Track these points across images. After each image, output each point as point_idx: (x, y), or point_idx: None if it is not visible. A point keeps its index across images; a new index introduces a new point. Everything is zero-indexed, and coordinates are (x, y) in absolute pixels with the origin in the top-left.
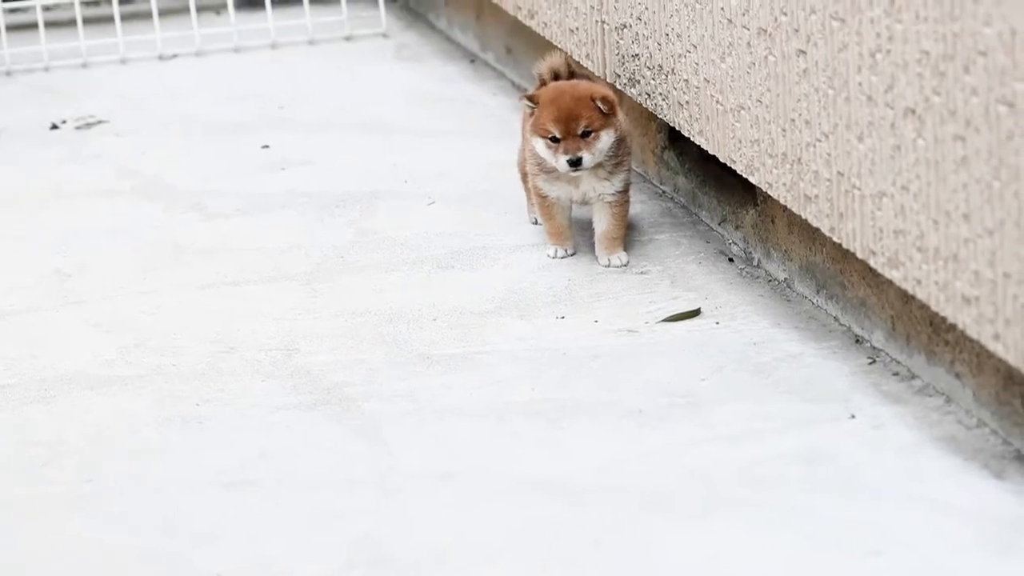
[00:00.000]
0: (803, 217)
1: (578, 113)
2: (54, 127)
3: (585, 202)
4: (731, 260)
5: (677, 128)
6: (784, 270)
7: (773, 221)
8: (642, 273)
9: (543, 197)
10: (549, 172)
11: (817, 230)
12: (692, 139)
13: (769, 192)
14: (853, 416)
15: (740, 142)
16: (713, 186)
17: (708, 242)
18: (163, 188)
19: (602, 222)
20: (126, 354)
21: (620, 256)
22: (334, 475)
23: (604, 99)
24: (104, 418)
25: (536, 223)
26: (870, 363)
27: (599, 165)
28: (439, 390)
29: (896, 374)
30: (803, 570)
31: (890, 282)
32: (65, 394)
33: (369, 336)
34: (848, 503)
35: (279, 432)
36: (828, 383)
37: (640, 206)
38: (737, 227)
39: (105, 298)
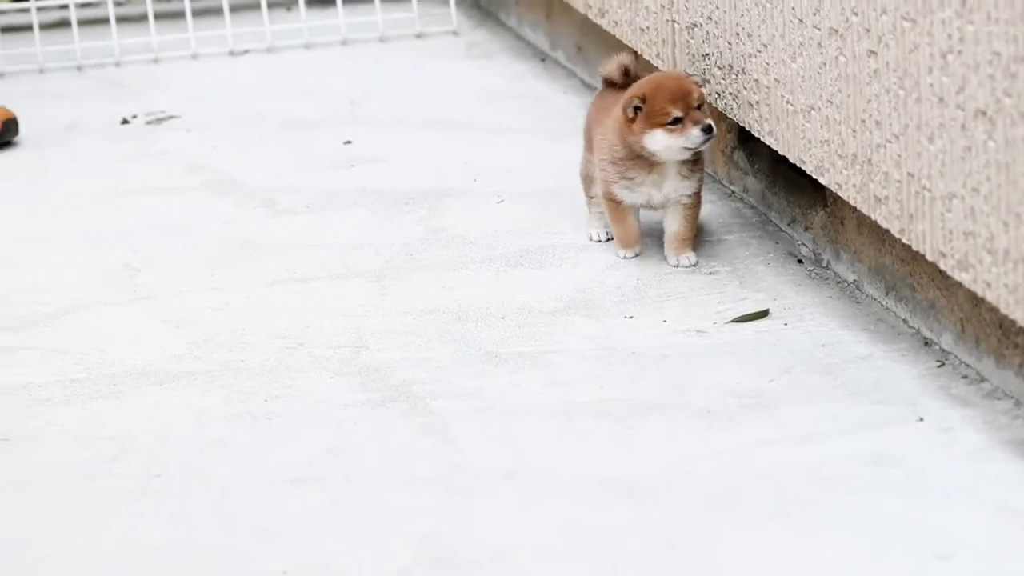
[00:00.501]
0: (873, 218)
1: (688, 88)
2: (124, 122)
3: (662, 205)
4: (800, 261)
5: (747, 128)
6: (853, 271)
7: (842, 222)
8: (711, 274)
9: (617, 203)
10: (631, 179)
11: (887, 231)
12: (762, 139)
13: (839, 193)
14: (921, 419)
15: (810, 142)
16: (783, 187)
17: (777, 243)
18: (233, 184)
19: (673, 223)
20: (195, 349)
21: (689, 256)
22: (400, 472)
23: (693, 78)
24: (172, 413)
25: (592, 240)
26: (939, 366)
27: (682, 163)
28: (507, 388)
29: (965, 377)
30: (870, 572)
31: (960, 284)
32: (134, 389)
33: (437, 334)
34: (916, 506)
35: (347, 429)
36: (896, 385)
37: (709, 207)
38: (806, 228)
39: (174, 293)
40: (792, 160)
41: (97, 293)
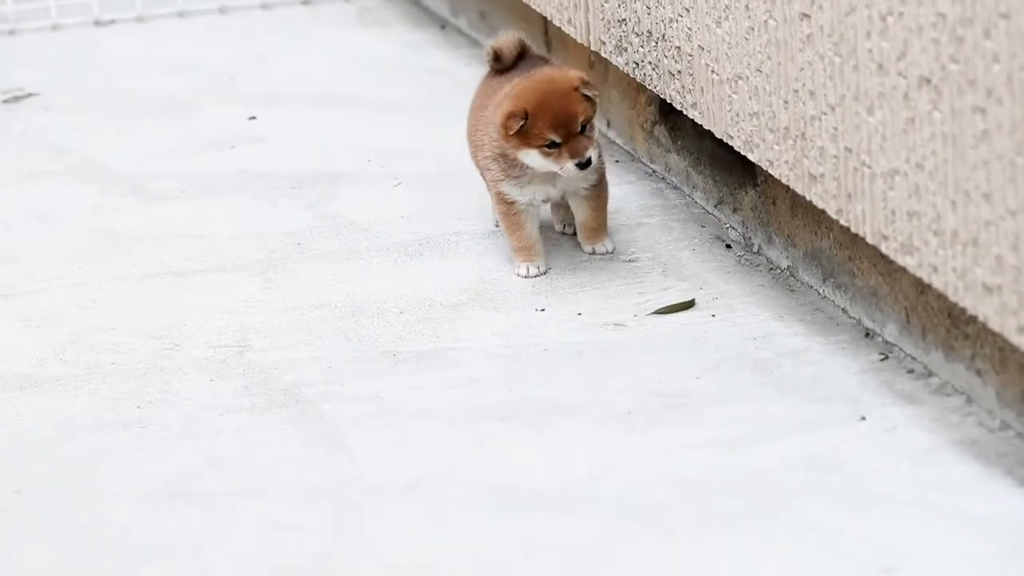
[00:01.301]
0: (808, 198)
1: (573, 110)
2: None
3: (559, 200)
4: (728, 246)
5: (668, 100)
6: (787, 257)
7: (775, 203)
8: (630, 261)
9: (509, 204)
10: (518, 177)
11: (823, 213)
12: (685, 112)
13: (770, 171)
14: (863, 418)
15: (738, 115)
16: (708, 165)
17: (703, 226)
18: (99, 169)
19: (581, 211)
20: (59, 352)
21: (605, 243)
22: (290, 486)
23: (586, 83)
24: (34, 422)
25: (499, 226)
26: (882, 359)
27: None
28: (406, 391)
29: (911, 371)
30: None
31: (904, 270)
32: None
33: (329, 331)
34: (858, 514)
35: (229, 438)
36: (836, 381)
37: (628, 187)
38: (735, 210)
39: (35, 291)
40: (718, 135)
41: None
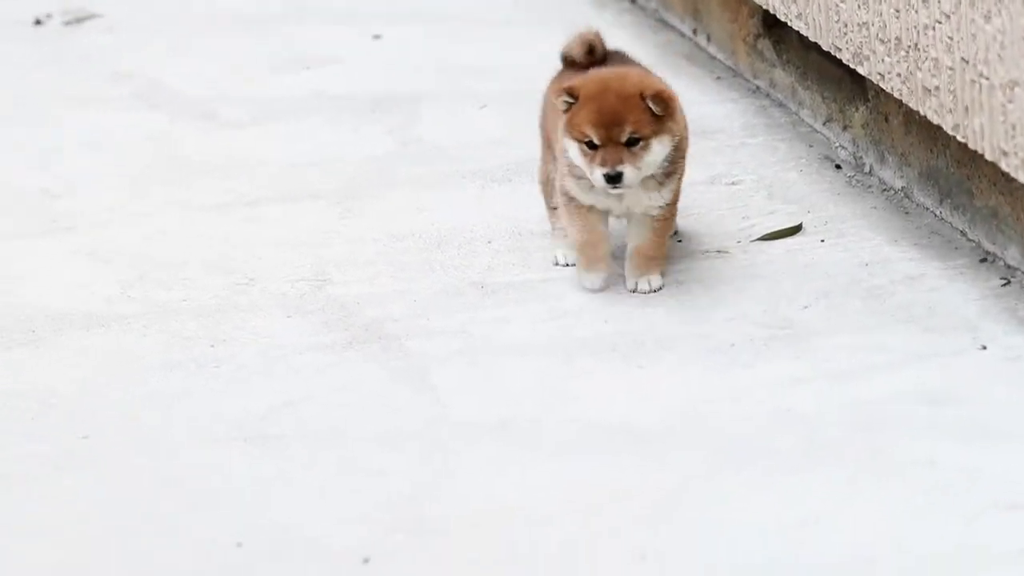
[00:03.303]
0: (922, 113)
1: (623, 116)
2: (37, 23)
3: (625, 216)
4: (838, 167)
5: (772, 11)
6: (901, 177)
7: (887, 119)
8: (733, 184)
9: (571, 199)
10: (581, 177)
11: (939, 128)
12: (790, 24)
13: (881, 85)
14: (984, 347)
15: (846, 26)
16: (815, 80)
17: (811, 146)
18: (166, 93)
19: (638, 235)
20: (127, 288)
21: (652, 280)
22: (371, 427)
23: (658, 96)
24: (101, 364)
25: (559, 264)
26: (1003, 284)
27: (649, 176)
28: (495, 325)
29: None
30: (920, 530)
31: None
32: (55, 336)
33: (412, 263)
34: (977, 450)
35: (307, 377)
36: (954, 309)
37: (730, 105)
38: (845, 127)
39: (100, 223)
40: (825, 47)
41: (10, 224)
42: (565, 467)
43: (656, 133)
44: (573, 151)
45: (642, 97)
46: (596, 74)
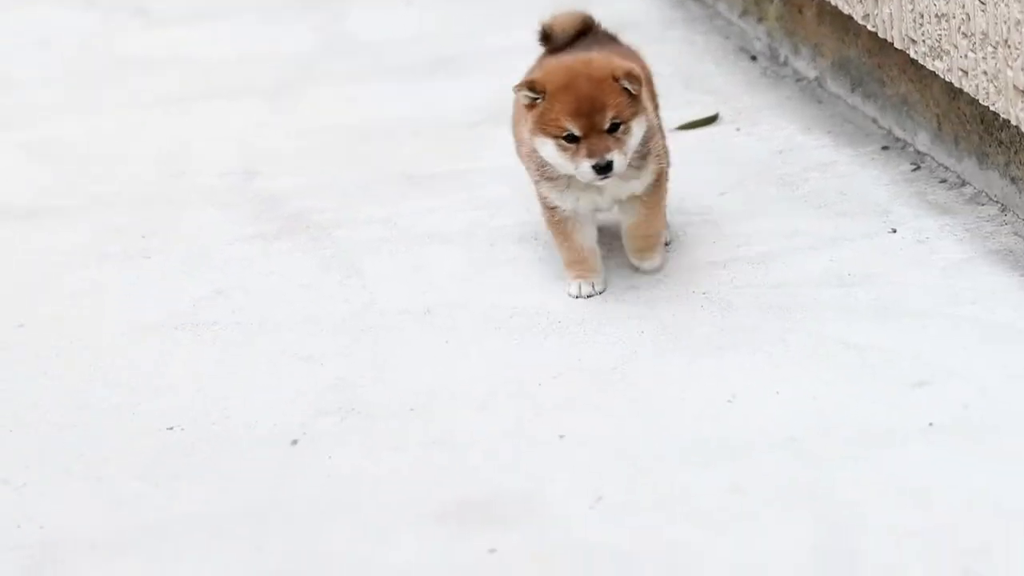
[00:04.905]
0: (833, 4)
1: (602, 101)
2: None
3: (610, 210)
4: (753, 58)
5: None
6: (814, 67)
7: (800, 11)
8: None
9: (552, 210)
10: (555, 178)
11: (850, 19)
12: None
13: None
14: (894, 230)
15: None
16: None
17: (727, 38)
18: None
19: (630, 214)
20: (60, 181)
21: (654, 259)
22: (301, 314)
23: (630, 75)
24: (35, 255)
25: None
26: (913, 169)
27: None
28: (422, 214)
29: (943, 181)
30: (837, 407)
31: (935, 75)
32: None
33: (340, 155)
34: (888, 329)
35: (238, 267)
36: (866, 194)
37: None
38: (760, 19)
39: (35, 119)
40: None
41: None
42: (490, 352)
43: (635, 115)
44: (548, 149)
45: (615, 79)
46: (555, 64)
